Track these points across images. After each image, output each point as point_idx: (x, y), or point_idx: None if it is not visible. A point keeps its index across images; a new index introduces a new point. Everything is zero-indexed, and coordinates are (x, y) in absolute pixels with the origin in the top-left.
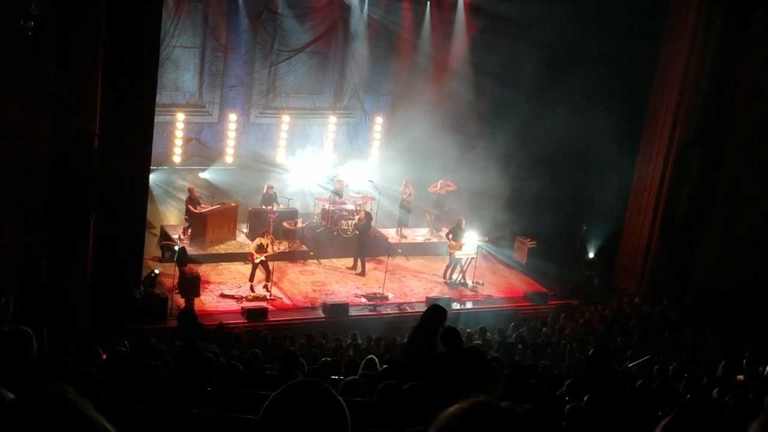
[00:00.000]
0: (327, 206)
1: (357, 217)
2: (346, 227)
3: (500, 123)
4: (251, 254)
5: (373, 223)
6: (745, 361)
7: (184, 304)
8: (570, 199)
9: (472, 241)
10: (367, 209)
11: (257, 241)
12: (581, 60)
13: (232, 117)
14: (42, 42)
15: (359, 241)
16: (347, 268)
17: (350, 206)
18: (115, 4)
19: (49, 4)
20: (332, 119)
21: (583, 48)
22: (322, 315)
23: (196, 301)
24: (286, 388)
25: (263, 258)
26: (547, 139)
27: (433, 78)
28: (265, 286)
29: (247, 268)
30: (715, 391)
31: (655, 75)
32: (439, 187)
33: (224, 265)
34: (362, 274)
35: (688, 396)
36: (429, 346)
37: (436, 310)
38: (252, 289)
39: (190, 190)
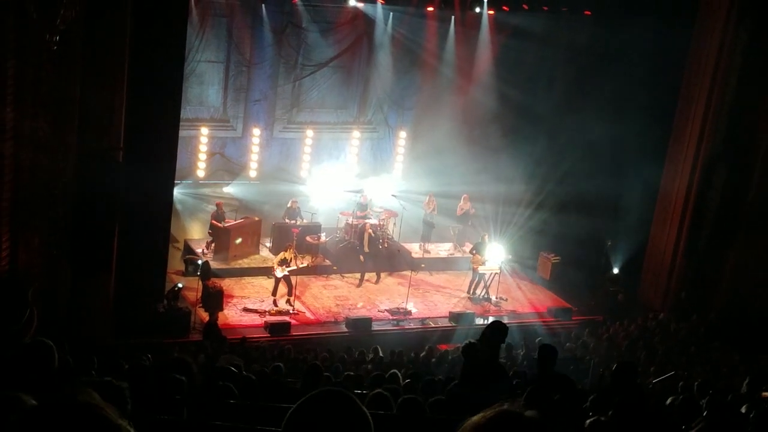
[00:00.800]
0: (350, 221)
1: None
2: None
3: (525, 135)
4: (274, 268)
5: (377, 237)
6: None
7: (207, 318)
8: (596, 213)
9: (495, 256)
10: (381, 222)
11: (281, 255)
12: (607, 71)
13: (256, 131)
14: (67, 56)
15: (371, 251)
16: (368, 282)
17: (374, 221)
18: (140, 18)
19: (74, 18)
20: (356, 134)
21: (610, 58)
22: (345, 329)
23: (220, 315)
24: (310, 397)
25: (287, 272)
26: (573, 151)
27: (458, 91)
28: (288, 301)
29: (270, 283)
30: (743, 407)
31: (681, 89)
32: (462, 202)
33: (247, 279)
34: (359, 285)
35: (713, 411)
36: (490, 362)
37: (497, 327)
38: (275, 303)
39: (218, 205)
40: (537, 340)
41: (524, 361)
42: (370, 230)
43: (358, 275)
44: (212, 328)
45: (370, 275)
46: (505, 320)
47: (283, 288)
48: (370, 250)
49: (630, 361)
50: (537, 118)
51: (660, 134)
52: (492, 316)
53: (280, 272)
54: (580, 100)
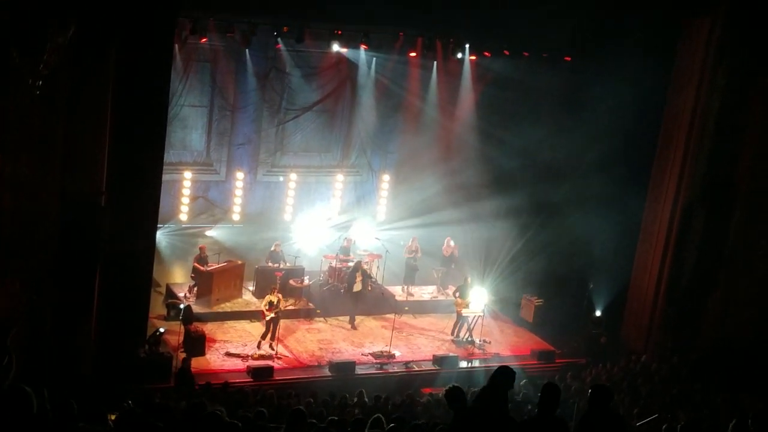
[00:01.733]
0: (334, 264)
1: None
2: None
3: (507, 179)
4: (262, 312)
5: (369, 275)
6: (750, 420)
7: (180, 365)
8: (578, 254)
9: (479, 298)
10: (365, 264)
11: (267, 298)
12: (588, 112)
13: (240, 175)
14: (51, 100)
15: (348, 294)
16: (345, 327)
17: (356, 261)
18: (124, 63)
19: (58, 63)
20: (339, 177)
21: (590, 101)
22: (329, 373)
23: (201, 360)
24: None
25: (273, 316)
26: (550, 199)
27: (440, 135)
28: (271, 345)
29: (253, 327)
30: None
31: (660, 133)
32: (445, 245)
33: (230, 323)
34: (352, 327)
35: None
36: (499, 407)
37: (506, 372)
38: (259, 346)
39: (201, 249)
40: (521, 383)
41: (509, 404)
42: (364, 266)
43: (342, 319)
44: (184, 372)
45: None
46: (490, 362)
47: (264, 329)
48: (363, 289)
49: (603, 384)
50: (518, 160)
51: (640, 177)
52: (476, 359)
53: (267, 316)
54: (561, 143)
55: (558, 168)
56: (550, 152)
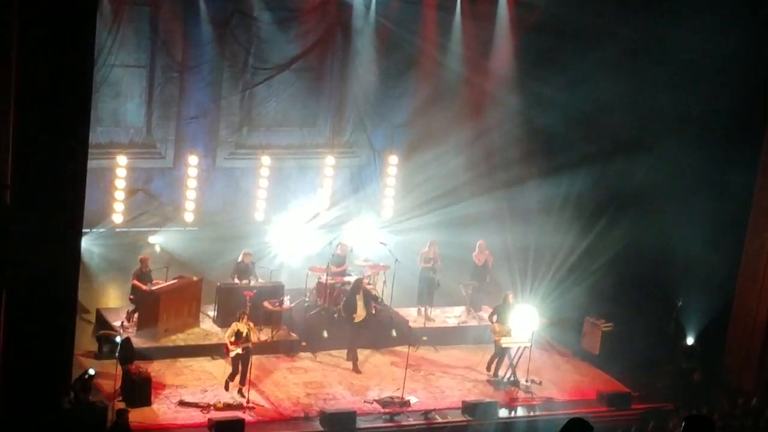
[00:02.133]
0: (324, 279)
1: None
2: None
3: (561, 157)
4: (225, 346)
5: (373, 296)
6: None
7: (115, 418)
8: (659, 264)
9: (524, 323)
10: (366, 279)
11: (233, 327)
12: (672, 66)
13: (193, 160)
14: None
15: (348, 325)
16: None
17: (355, 277)
18: (31, 13)
19: None
20: (329, 160)
21: (674, 47)
22: (320, 428)
23: (146, 411)
24: None
25: (239, 351)
26: (624, 182)
27: (466, 100)
28: (240, 390)
29: (215, 366)
30: None
31: None
32: (477, 251)
33: (184, 361)
34: (355, 369)
35: None
36: None
37: (581, 427)
38: (227, 386)
39: (142, 261)
40: None
41: None
42: (367, 283)
43: (337, 354)
44: (122, 428)
45: (362, 352)
46: (539, 411)
47: (231, 370)
48: (367, 315)
49: (703, 414)
50: (573, 139)
51: (746, 151)
52: (521, 405)
53: (231, 352)
54: (635, 107)
55: (632, 141)
56: (620, 120)
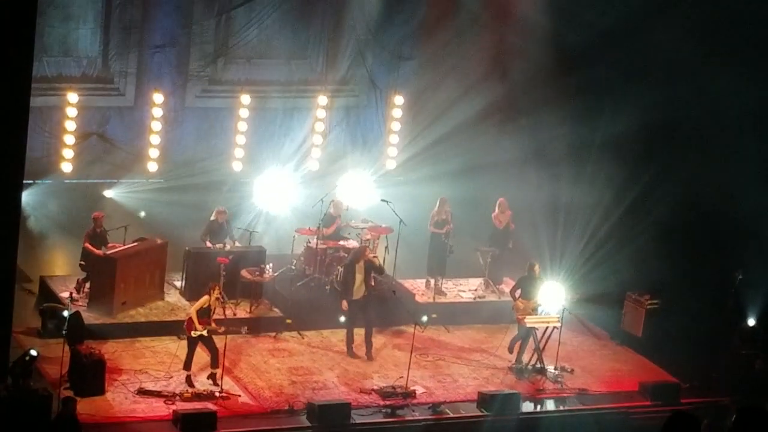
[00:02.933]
0: (313, 243)
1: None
2: None
3: (596, 105)
4: (189, 321)
5: (376, 267)
6: None
7: (60, 408)
8: (716, 230)
9: (553, 300)
10: (365, 244)
11: (200, 301)
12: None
13: (157, 98)
14: None
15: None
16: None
17: (351, 242)
18: None
19: None
20: (322, 100)
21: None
22: (307, 423)
23: (99, 401)
24: None
25: (204, 333)
26: (675, 120)
27: (488, 33)
28: (212, 375)
29: (182, 347)
30: None
31: None
32: (497, 210)
33: (145, 341)
34: (369, 356)
35: None
36: None
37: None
38: (190, 380)
39: (95, 219)
40: None
41: None
42: (370, 255)
43: (330, 334)
44: (68, 420)
45: (359, 333)
46: (572, 404)
47: (203, 355)
48: (366, 292)
49: (759, 407)
50: (616, 79)
51: None
52: (549, 398)
53: (199, 330)
54: (693, 54)
55: (688, 90)
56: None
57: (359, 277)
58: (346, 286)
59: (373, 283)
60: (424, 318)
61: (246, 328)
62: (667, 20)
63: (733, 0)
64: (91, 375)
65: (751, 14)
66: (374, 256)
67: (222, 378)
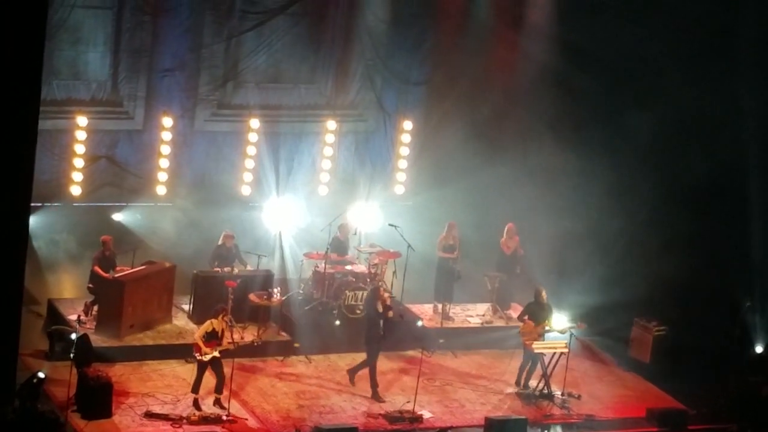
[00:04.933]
0: (321, 267)
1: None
2: (353, 302)
3: (607, 136)
4: (197, 346)
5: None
6: None
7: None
8: (721, 258)
9: (560, 325)
10: (372, 269)
11: (206, 324)
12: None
13: (167, 121)
14: None
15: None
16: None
17: (360, 266)
18: None
19: None
20: (331, 125)
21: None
22: None
23: (106, 424)
24: None
25: (216, 354)
26: (684, 164)
27: (498, 59)
28: (217, 400)
29: (189, 370)
30: None
31: None
32: (506, 236)
33: (152, 364)
34: (351, 381)
35: None
36: None
37: None
38: (197, 403)
39: (104, 243)
40: None
41: None
42: (387, 294)
43: (331, 358)
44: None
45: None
46: (579, 430)
47: (211, 379)
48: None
49: None
50: (627, 109)
51: None
52: (557, 423)
53: (205, 355)
54: (697, 86)
55: (694, 116)
56: (677, 91)
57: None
58: (369, 322)
59: (390, 314)
60: (441, 341)
61: (260, 340)
62: None
63: None
64: (98, 398)
65: None
66: (389, 295)
67: (229, 401)
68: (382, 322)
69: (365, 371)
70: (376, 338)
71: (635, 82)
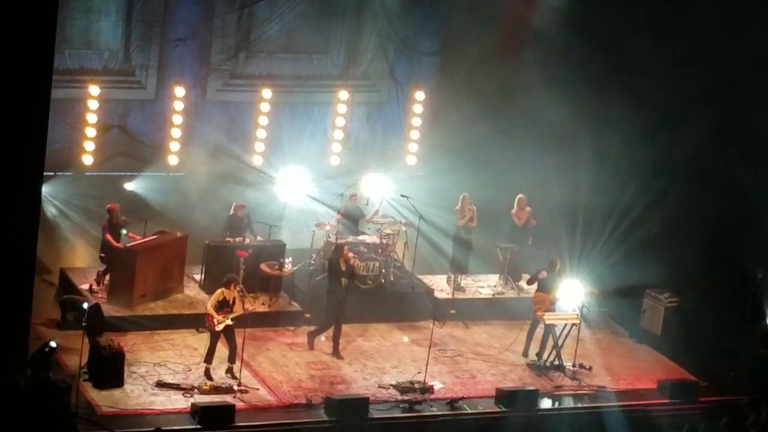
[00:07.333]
0: (333, 238)
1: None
2: (365, 273)
3: (621, 105)
4: (209, 316)
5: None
6: None
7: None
8: (733, 228)
9: (572, 296)
10: (384, 240)
11: (217, 294)
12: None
13: (179, 91)
14: None
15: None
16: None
17: (371, 237)
18: None
19: None
20: (343, 95)
21: None
22: (325, 417)
23: (117, 393)
24: None
25: (228, 322)
26: (698, 131)
27: (512, 27)
28: (230, 369)
29: (200, 340)
30: None
31: None
32: (517, 207)
33: (164, 334)
34: (336, 354)
35: None
36: None
37: None
38: (209, 373)
39: (110, 211)
40: None
41: None
42: (350, 254)
43: (344, 328)
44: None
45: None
46: (588, 402)
47: (222, 349)
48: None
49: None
50: (643, 77)
51: None
52: (567, 394)
53: (219, 324)
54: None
55: (711, 83)
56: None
57: (342, 267)
58: (331, 275)
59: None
60: (452, 311)
61: (269, 304)
62: None
63: None
64: (110, 367)
65: None
66: (353, 255)
67: (240, 371)
68: (344, 280)
69: (329, 333)
70: (337, 297)
71: (647, 58)
